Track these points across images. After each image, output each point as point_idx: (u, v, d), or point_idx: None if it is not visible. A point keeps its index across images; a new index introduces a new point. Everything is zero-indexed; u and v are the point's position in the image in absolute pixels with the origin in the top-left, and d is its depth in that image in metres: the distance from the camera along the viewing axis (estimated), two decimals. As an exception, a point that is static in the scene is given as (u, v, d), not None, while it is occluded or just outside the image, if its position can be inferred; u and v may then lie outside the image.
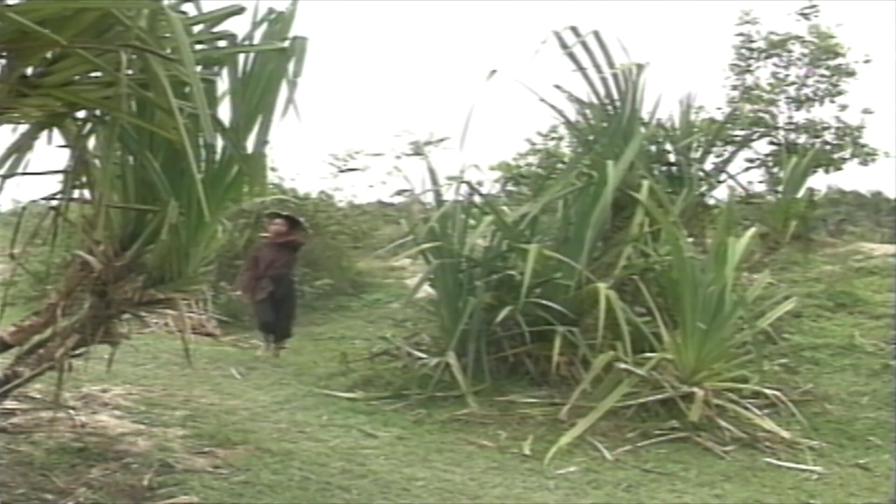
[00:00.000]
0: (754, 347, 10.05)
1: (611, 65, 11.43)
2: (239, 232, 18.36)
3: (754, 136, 19.08)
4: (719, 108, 19.21)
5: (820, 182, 26.22)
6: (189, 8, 5.88)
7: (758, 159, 19.67)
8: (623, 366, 9.25)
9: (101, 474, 6.34)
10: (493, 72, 10.68)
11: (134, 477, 6.36)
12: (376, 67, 55.71)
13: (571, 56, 11.30)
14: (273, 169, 20.43)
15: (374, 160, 20.96)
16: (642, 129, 12.42)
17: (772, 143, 19.67)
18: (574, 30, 11.24)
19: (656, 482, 7.62)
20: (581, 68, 11.42)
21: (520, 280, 10.05)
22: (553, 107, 11.91)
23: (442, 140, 19.42)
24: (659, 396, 9.26)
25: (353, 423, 9.08)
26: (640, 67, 11.61)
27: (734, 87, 20.25)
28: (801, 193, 16.76)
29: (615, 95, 11.56)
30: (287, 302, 13.78)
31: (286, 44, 6.21)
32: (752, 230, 11.14)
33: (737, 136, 18.48)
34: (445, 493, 6.86)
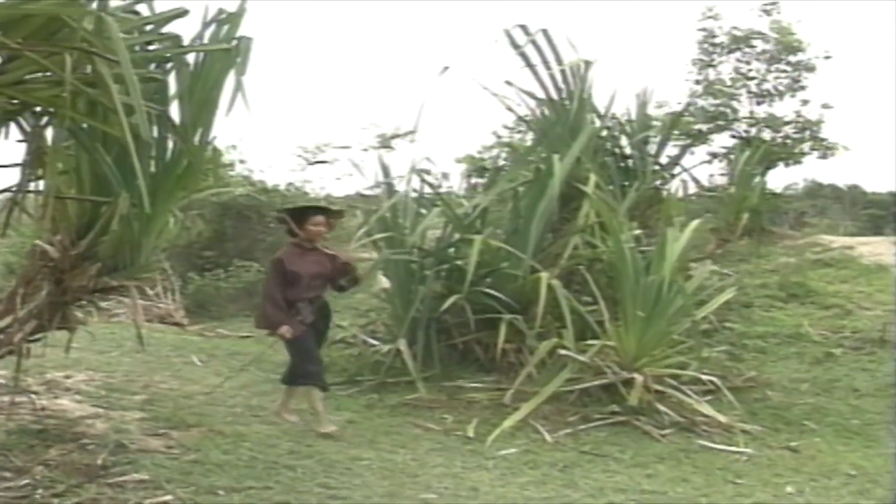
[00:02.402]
0: (693, 335, 10.42)
1: (559, 61, 11.77)
2: (206, 224, 18.69)
3: (712, 131, 19.42)
4: (680, 103, 19.56)
5: (796, 175, 26.63)
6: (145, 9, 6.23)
7: (720, 153, 20.05)
8: (564, 352, 9.61)
9: (57, 454, 6.61)
10: (446, 68, 11.08)
11: (89, 457, 6.63)
12: (349, 62, 56.05)
13: (522, 54, 11.67)
14: (242, 161, 20.77)
15: (343, 153, 21.25)
16: (597, 123, 12.81)
17: (733, 136, 20.00)
18: (524, 28, 11.61)
19: (592, 463, 7.96)
20: (530, 65, 11.78)
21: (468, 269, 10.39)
22: (505, 102, 12.25)
23: (408, 133, 19.69)
24: (600, 382, 9.62)
25: (306, 407, 9.38)
26: (587, 64, 11.95)
27: (697, 82, 20.59)
28: (754, 187, 17.17)
29: (564, 91, 11.90)
30: (326, 334, 9.56)
31: (233, 44, 6.57)
32: (695, 222, 11.45)
33: (699, 129, 18.86)
34: (387, 472, 7.18)
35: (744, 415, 9.77)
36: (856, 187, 65.76)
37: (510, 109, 12.41)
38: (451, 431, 8.84)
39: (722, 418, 9.39)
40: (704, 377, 9.97)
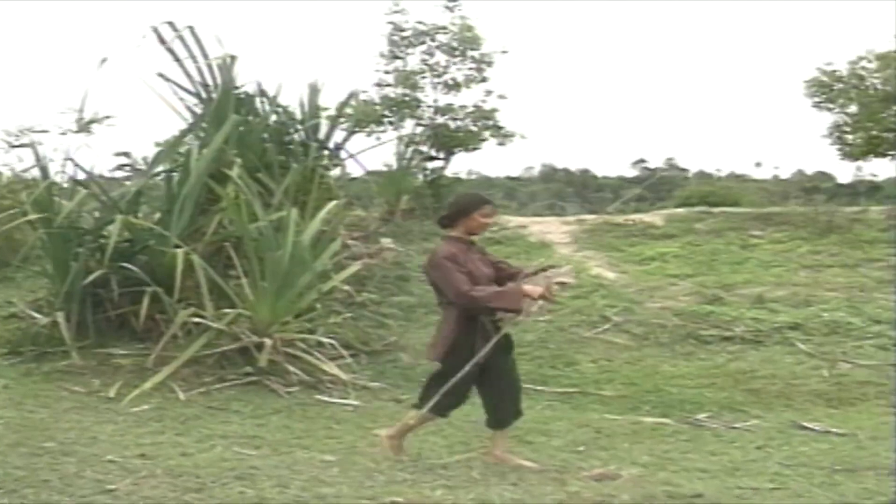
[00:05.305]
0: (322, 304, 11.69)
1: (206, 57, 12.85)
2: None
3: (400, 118, 20.62)
4: (364, 92, 20.57)
5: (533, 160, 28.02)
6: None
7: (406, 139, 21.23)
8: (198, 320, 10.72)
9: None
10: (104, 60, 12.01)
11: None
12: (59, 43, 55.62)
13: (169, 50, 12.70)
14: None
15: (44, 136, 21.44)
16: (267, 110, 13.96)
17: (419, 124, 21.18)
18: (171, 25, 12.63)
19: (213, 416, 9.09)
20: (178, 60, 12.82)
21: (123, 247, 11.38)
22: (159, 95, 13.12)
23: (107, 118, 20.15)
24: (236, 346, 10.77)
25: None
26: (233, 59, 13.02)
27: (386, 73, 21.71)
28: (415, 170, 18.63)
29: (210, 84, 12.98)
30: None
31: None
32: (332, 203, 12.61)
33: (383, 116, 20.14)
34: (21, 427, 8.08)
35: (373, 374, 11.18)
36: (587, 171, 69.36)
37: (164, 101, 13.22)
38: (94, 393, 9.85)
39: (344, 376, 10.72)
40: (326, 340, 11.23)
